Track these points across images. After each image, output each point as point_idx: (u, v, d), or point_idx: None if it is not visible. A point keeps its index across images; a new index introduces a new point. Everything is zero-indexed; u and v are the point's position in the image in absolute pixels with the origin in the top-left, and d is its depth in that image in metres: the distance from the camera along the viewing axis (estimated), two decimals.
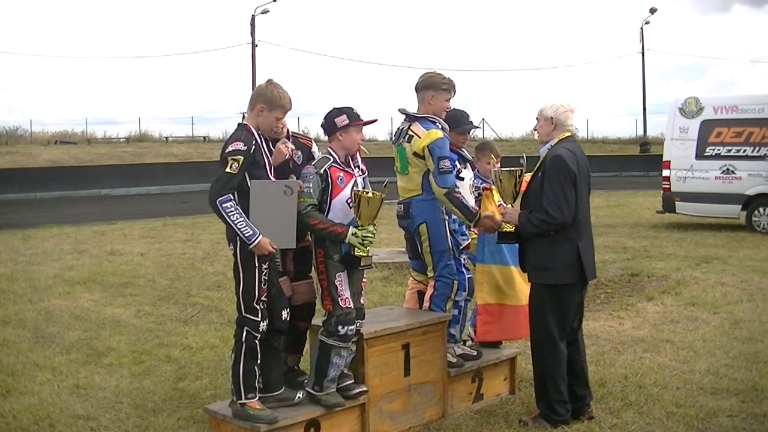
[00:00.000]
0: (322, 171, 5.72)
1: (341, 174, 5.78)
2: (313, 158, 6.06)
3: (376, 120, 6.45)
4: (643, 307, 10.38)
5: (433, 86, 6.49)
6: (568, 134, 6.14)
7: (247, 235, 5.21)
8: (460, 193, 6.29)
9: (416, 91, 6.58)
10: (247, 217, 5.25)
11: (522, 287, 6.77)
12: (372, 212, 5.66)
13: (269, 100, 5.48)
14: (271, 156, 5.59)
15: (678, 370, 7.49)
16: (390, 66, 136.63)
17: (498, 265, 6.84)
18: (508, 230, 6.21)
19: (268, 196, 5.35)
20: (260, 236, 5.24)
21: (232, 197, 5.20)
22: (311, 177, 5.69)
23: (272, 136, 5.73)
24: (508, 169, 6.21)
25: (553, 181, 5.86)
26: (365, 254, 5.69)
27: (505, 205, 6.25)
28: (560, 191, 5.82)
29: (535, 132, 6.36)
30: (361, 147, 6.02)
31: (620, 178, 39.82)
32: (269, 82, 5.60)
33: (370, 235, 5.68)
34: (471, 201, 6.75)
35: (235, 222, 5.19)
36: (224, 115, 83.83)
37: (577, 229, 5.92)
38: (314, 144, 6.32)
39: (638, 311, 10.14)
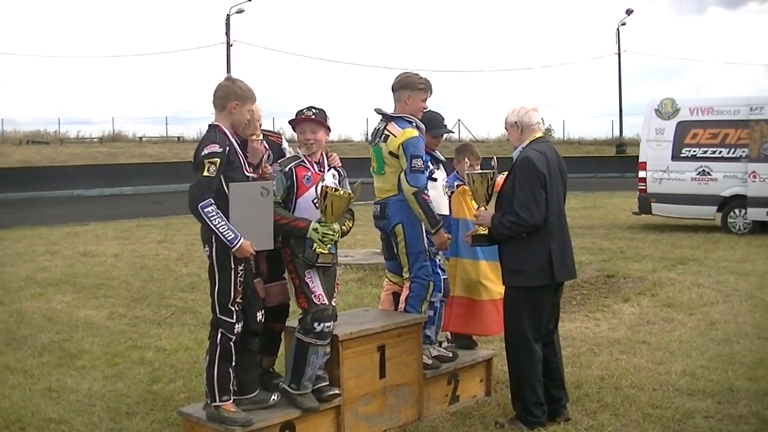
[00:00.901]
0: (287, 169, 5.74)
1: (308, 173, 5.78)
2: (284, 155, 6.08)
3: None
4: (619, 308, 10.43)
5: (410, 86, 6.51)
6: (539, 135, 6.16)
7: (229, 238, 5.20)
8: (429, 196, 6.30)
9: (393, 91, 6.60)
10: (227, 220, 5.24)
11: (493, 283, 6.80)
12: (338, 210, 5.63)
13: (240, 94, 5.47)
14: (246, 155, 5.58)
15: (654, 372, 7.54)
16: (366, 66, 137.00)
17: (470, 259, 6.87)
18: (481, 233, 6.23)
19: (246, 198, 5.34)
20: (242, 239, 5.23)
21: (213, 201, 5.18)
22: (276, 174, 5.72)
23: (245, 135, 5.71)
24: (479, 171, 6.25)
25: (523, 183, 5.88)
26: (325, 251, 5.66)
27: (478, 207, 6.27)
28: (530, 193, 5.83)
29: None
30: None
31: (596, 180, 39.98)
32: (229, 78, 5.61)
33: (330, 232, 5.63)
34: (444, 202, 6.77)
35: (218, 226, 5.18)
36: (199, 115, 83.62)
37: (549, 231, 5.93)
38: (284, 141, 6.32)
39: (614, 312, 10.19)
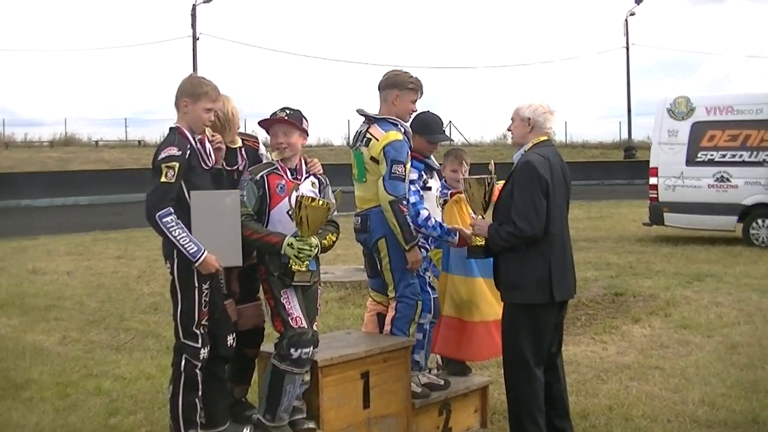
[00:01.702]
0: (258, 177, 5.74)
1: (281, 182, 5.78)
2: (260, 161, 6.09)
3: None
4: (628, 329, 10.46)
5: (398, 85, 6.53)
6: (545, 138, 6.17)
7: (191, 251, 5.20)
8: (407, 208, 6.31)
9: (379, 90, 6.62)
10: (189, 232, 5.24)
11: (487, 302, 6.80)
12: (315, 223, 5.63)
13: (191, 91, 5.50)
14: (210, 159, 5.59)
15: (669, 401, 7.55)
16: (348, 63, 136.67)
17: (462, 276, 6.87)
18: (478, 244, 6.24)
19: (210, 208, 5.35)
20: (205, 253, 5.23)
21: (172, 211, 5.19)
22: (246, 184, 5.73)
23: (217, 141, 5.73)
24: (477, 176, 6.24)
25: (523, 189, 5.88)
26: (302, 268, 5.65)
27: (474, 216, 6.28)
28: (529, 201, 5.83)
29: (509, 133, 6.39)
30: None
31: (603, 187, 40.17)
32: (189, 75, 5.67)
33: (307, 248, 5.63)
34: (438, 214, 6.77)
35: (178, 238, 5.18)
36: (162, 117, 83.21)
37: (549, 243, 5.92)
38: (262, 145, 6.34)
39: (623, 335, 10.21)
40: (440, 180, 7.01)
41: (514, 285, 5.99)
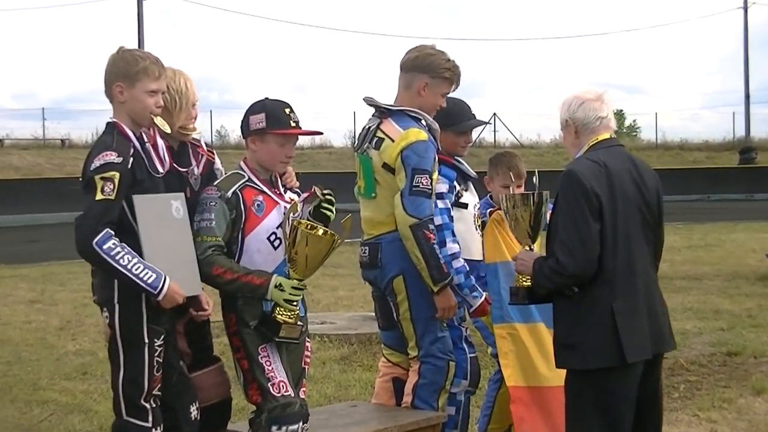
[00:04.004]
0: (230, 194, 5.77)
1: (259, 198, 5.84)
2: (215, 178, 6.11)
3: (318, 132, 6.54)
4: (747, 404, 10.40)
5: (431, 70, 6.56)
6: (605, 136, 6.10)
7: (149, 281, 5.21)
8: (434, 234, 6.32)
9: (402, 71, 6.65)
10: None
11: None
12: (315, 259, 5.66)
13: (124, 71, 5.52)
14: (164, 163, 5.62)
15: None
16: (352, 33, 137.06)
17: (525, 323, 6.87)
18: (522, 284, 6.12)
19: (159, 218, 5.38)
20: (167, 279, 5.25)
21: (112, 234, 5.19)
22: (214, 203, 5.73)
23: (171, 135, 5.77)
24: (522, 192, 6.17)
25: (563, 210, 5.80)
26: (291, 320, 5.67)
27: (520, 246, 6.23)
28: (572, 226, 5.74)
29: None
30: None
31: (709, 204, 40.14)
32: (117, 50, 5.63)
33: (300, 289, 5.69)
34: (476, 241, 6.77)
35: (129, 267, 5.18)
36: (94, 107, 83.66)
37: (610, 285, 5.82)
38: (217, 159, 6.34)
39: (740, 411, 10.15)
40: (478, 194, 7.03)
41: (567, 343, 5.91)
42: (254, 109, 5.93)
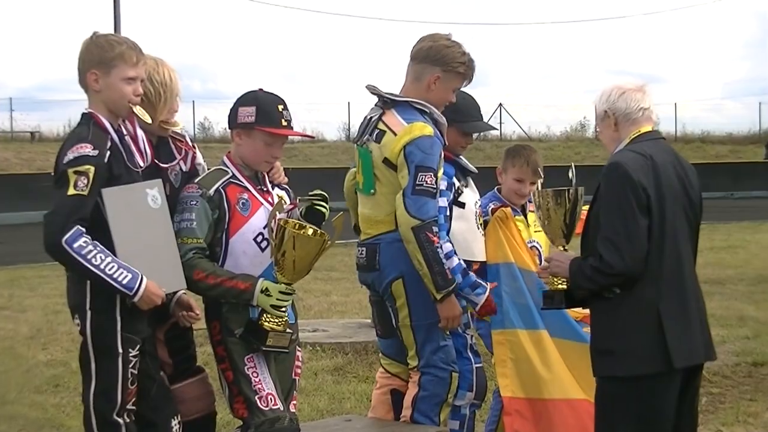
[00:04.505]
0: (212, 192, 5.76)
1: (244, 196, 5.84)
2: (196, 174, 6.10)
3: (309, 136, 6.55)
4: None
5: (444, 63, 6.55)
6: (647, 128, 6.07)
7: (124, 282, 5.20)
8: (437, 237, 6.31)
9: (412, 60, 6.63)
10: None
11: (567, 369, 6.77)
12: (303, 261, 5.65)
13: (98, 58, 5.51)
14: (145, 156, 5.60)
15: None
16: (350, 17, 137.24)
17: (527, 329, 6.85)
18: (557, 287, 6.12)
19: (132, 211, 5.36)
20: (144, 279, 5.23)
21: (83, 231, 5.17)
22: (195, 203, 5.72)
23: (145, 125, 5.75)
24: (555, 189, 6.13)
25: (608, 204, 5.78)
26: (279, 327, 5.66)
27: (553, 247, 6.22)
28: (618, 222, 5.71)
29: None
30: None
31: (732, 201, 40.16)
32: (91, 35, 5.62)
33: (288, 293, 5.69)
34: (478, 241, 6.75)
35: (101, 266, 5.17)
36: (67, 97, 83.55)
37: (656, 284, 5.80)
38: (198, 153, 6.32)
39: (767, 425, 10.17)
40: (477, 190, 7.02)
41: (607, 349, 5.88)
42: (245, 100, 5.92)
